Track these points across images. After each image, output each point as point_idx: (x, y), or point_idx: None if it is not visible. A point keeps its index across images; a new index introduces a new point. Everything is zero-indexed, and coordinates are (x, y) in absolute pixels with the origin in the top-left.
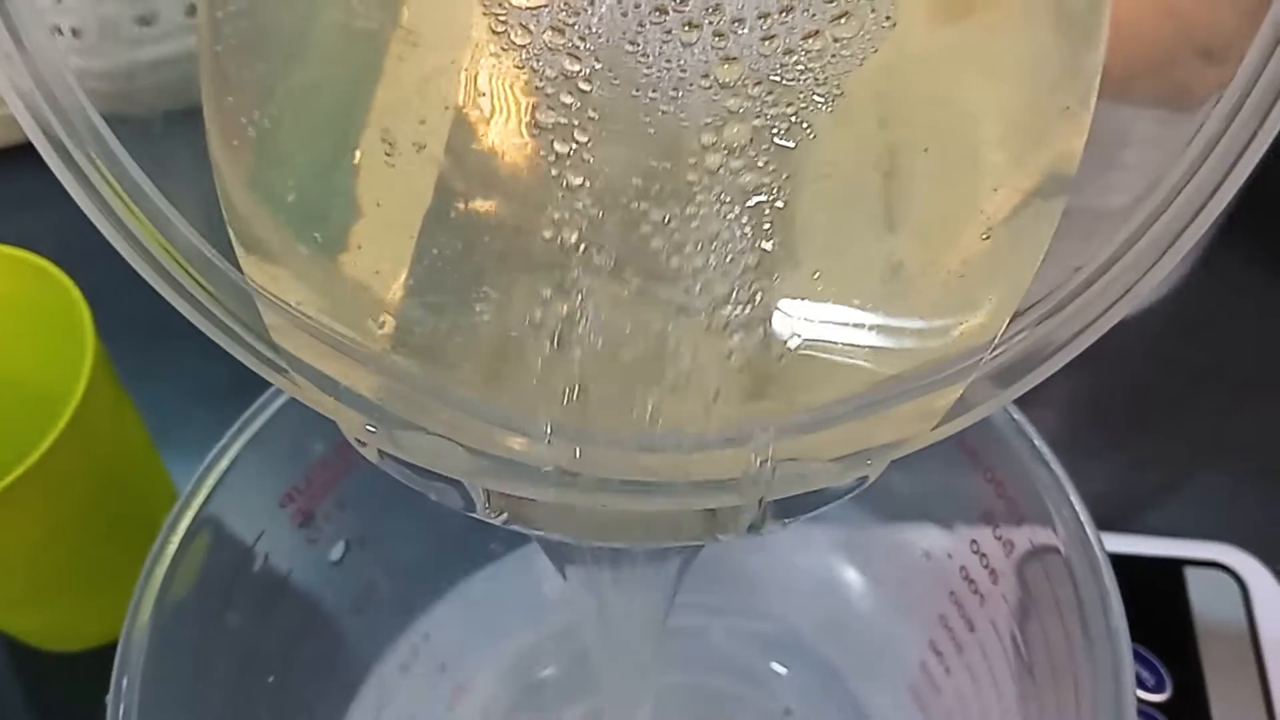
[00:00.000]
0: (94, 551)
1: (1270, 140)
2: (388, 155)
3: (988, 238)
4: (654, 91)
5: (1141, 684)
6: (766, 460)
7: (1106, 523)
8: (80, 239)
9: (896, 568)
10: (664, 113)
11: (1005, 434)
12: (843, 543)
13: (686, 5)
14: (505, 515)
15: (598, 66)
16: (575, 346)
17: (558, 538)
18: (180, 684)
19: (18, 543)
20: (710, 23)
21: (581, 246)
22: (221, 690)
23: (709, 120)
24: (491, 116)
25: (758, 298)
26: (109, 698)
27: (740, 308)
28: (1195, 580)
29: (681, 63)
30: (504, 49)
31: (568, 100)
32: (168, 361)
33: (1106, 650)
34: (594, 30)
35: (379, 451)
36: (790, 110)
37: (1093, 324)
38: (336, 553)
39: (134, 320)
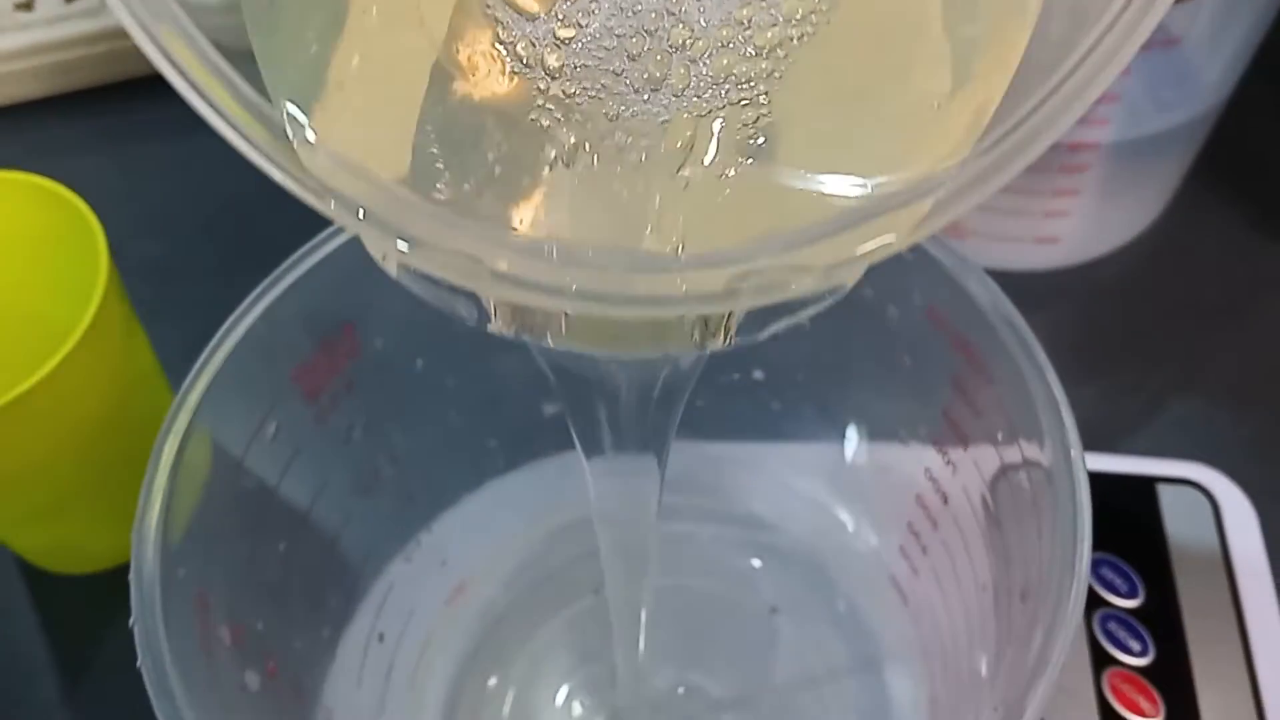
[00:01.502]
0: (103, 472)
1: None
2: (389, 32)
3: (954, 86)
4: None
5: (1115, 590)
6: (752, 273)
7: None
8: (105, 185)
9: (876, 456)
10: None
11: (970, 291)
12: (824, 449)
13: None
14: (515, 327)
15: None
16: (576, 178)
17: (561, 347)
18: (194, 543)
19: (28, 457)
20: None
21: (578, 100)
22: (234, 551)
23: None
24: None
25: (749, 137)
26: (131, 553)
27: (732, 142)
28: (1168, 496)
29: None
30: None
31: None
32: (182, 303)
33: (1065, 479)
34: None
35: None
36: None
37: (1030, 146)
38: (344, 432)
39: (151, 264)
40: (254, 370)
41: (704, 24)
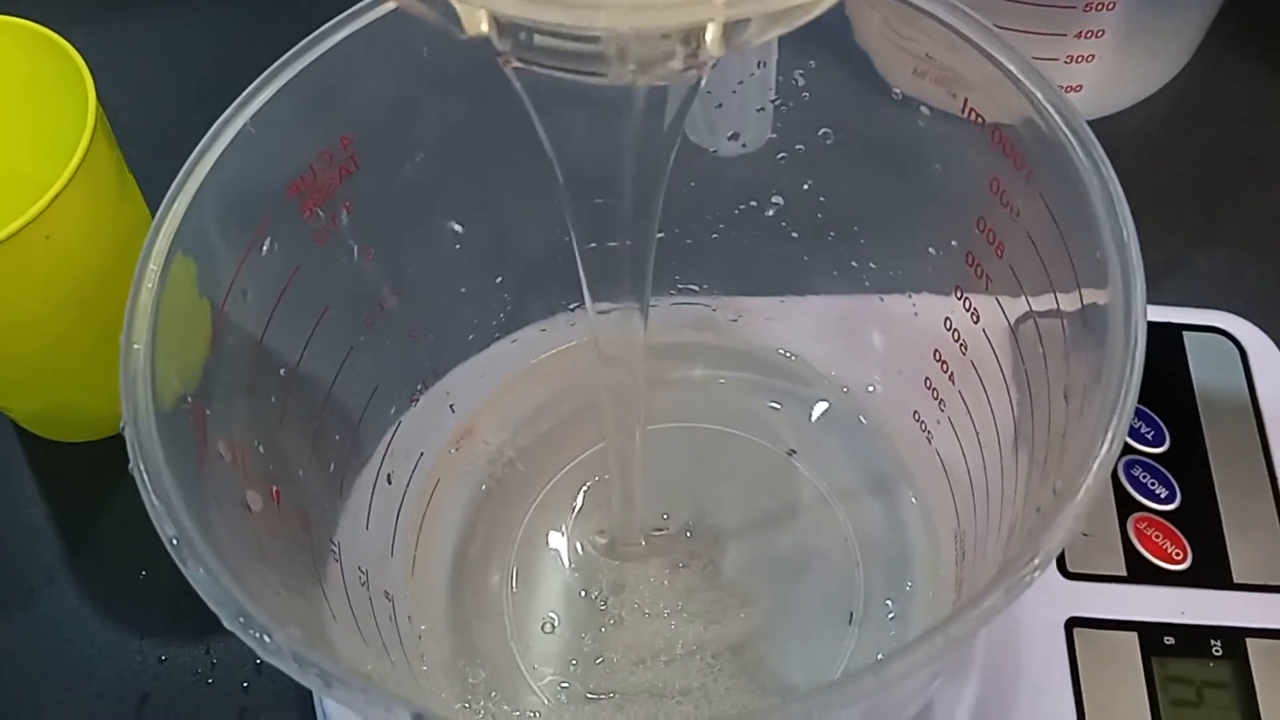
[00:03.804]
0: (98, 332)
1: None
2: None
3: None
4: None
5: (1141, 438)
6: None
7: None
8: (96, 56)
9: (902, 283)
10: None
11: (1016, 74)
12: (845, 286)
13: None
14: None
15: None
16: None
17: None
18: (187, 357)
19: (17, 310)
20: None
21: None
22: (231, 370)
23: None
24: None
25: None
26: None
27: None
28: (1194, 344)
29: None
30: None
31: None
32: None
33: (1118, 270)
34: None
35: None
36: None
37: None
38: (345, 255)
39: (144, 133)
40: (245, 179)
41: None
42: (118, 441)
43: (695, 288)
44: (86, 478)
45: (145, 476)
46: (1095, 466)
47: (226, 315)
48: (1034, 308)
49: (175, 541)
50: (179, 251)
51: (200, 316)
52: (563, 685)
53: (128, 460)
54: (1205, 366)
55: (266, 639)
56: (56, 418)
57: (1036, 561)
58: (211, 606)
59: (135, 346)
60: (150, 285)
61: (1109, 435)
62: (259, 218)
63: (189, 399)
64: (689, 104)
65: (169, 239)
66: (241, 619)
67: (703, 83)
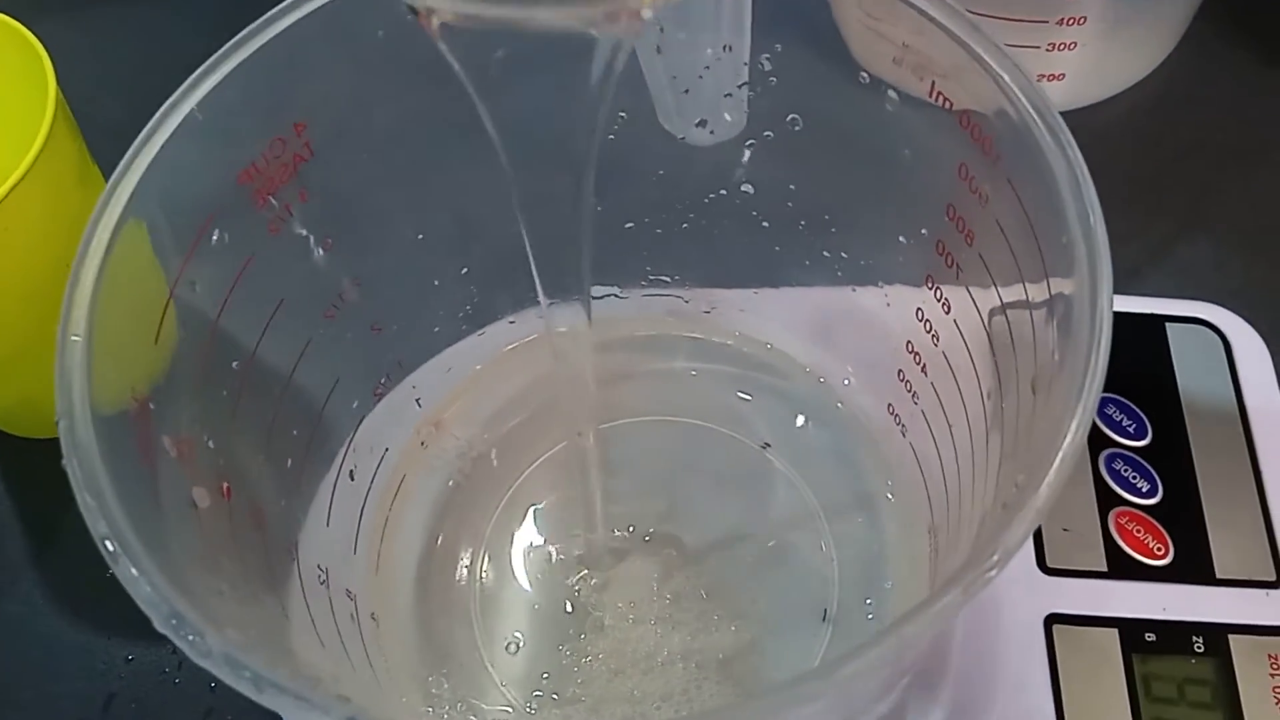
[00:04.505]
0: None
1: None
2: None
3: None
4: None
5: (1123, 431)
6: None
7: None
8: (66, 45)
9: (873, 273)
10: None
11: (984, 58)
12: (817, 278)
13: None
14: None
15: None
16: None
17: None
18: (131, 346)
19: None
20: None
21: None
22: (179, 362)
23: None
24: None
25: None
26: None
27: None
28: (1177, 336)
29: None
30: None
31: None
32: None
33: (1084, 256)
34: None
35: None
36: None
37: None
38: (301, 245)
39: (113, 125)
40: (192, 166)
41: None
42: None
43: (667, 279)
44: (53, 474)
45: (78, 472)
46: (1058, 460)
47: (174, 306)
48: (1004, 297)
49: (107, 541)
50: (120, 241)
51: (145, 308)
52: (535, 693)
53: None
54: (1188, 358)
55: (197, 641)
56: (22, 414)
57: (995, 558)
58: (142, 608)
59: (73, 338)
60: (90, 275)
61: (1072, 427)
62: (207, 206)
63: (131, 393)
64: (616, 64)
65: (109, 229)
66: (174, 621)
67: (629, 46)
